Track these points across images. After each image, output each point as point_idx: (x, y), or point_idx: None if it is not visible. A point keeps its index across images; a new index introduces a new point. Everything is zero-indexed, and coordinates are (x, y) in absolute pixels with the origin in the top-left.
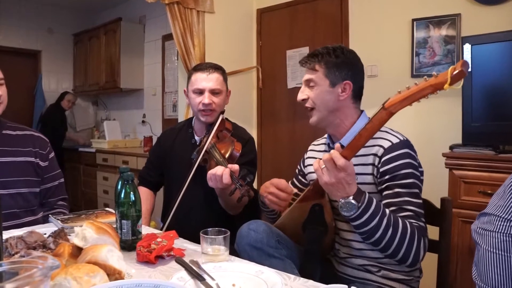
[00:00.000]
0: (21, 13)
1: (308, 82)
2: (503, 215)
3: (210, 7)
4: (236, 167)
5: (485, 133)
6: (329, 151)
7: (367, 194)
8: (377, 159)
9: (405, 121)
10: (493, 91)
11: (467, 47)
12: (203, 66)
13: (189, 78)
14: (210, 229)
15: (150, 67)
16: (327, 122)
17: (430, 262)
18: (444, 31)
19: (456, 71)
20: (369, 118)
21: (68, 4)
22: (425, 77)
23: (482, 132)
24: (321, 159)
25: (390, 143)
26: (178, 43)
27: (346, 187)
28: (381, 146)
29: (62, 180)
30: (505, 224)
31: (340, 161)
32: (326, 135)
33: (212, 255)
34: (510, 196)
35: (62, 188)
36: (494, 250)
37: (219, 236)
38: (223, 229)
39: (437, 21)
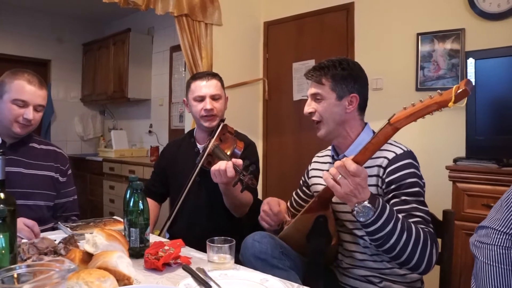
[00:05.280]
0: (32, 23)
1: (314, 96)
2: (500, 228)
3: (218, 19)
4: (239, 161)
5: (488, 146)
6: (333, 163)
7: (380, 198)
8: (381, 170)
9: (409, 134)
10: (497, 105)
11: (470, 62)
12: (201, 75)
13: (188, 87)
14: (217, 237)
15: (157, 78)
16: (335, 134)
17: (432, 274)
18: (448, 45)
19: (460, 90)
20: (372, 130)
21: (78, 15)
22: (430, 94)
23: (485, 145)
24: (327, 170)
25: (394, 154)
26: (186, 55)
27: (361, 191)
28: (385, 157)
29: (76, 197)
30: (501, 237)
31: (352, 166)
32: (330, 147)
33: (218, 263)
34: (506, 210)
35: (76, 205)
36: (491, 263)
37: (225, 245)
38: (229, 238)
39: (442, 36)
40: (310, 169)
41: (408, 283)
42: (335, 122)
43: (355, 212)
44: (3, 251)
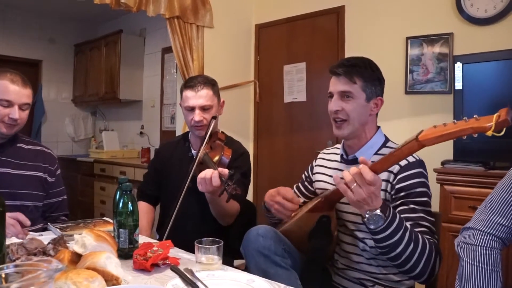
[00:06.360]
0: (23, 23)
1: (343, 93)
2: (484, 229)
3: (210, 22)
4: (225, 171)
5: (475, 149)
6: (341, 161)
7: (391, 207)
8: (392, 176)
9: (398, 136)
10: (484, 109)
11: (458, 66)
12: (193, 83)
13: (181, 93)
14: (205, 239)
15: (149, 79)
16: (355, 134)
17: None
18: (437, 49)
19: (501, 119)
20: (384, 135)
21: (70, 15)
22: (465, 118)
23: (473, 148)
24: (333, 168)
25: (406, 162)
26: (177, 57)
27: (374, 199)
28: (397, 163)
29: (65, 197)
30: (485, 237)
31: (369, 175)
32: (337, 145)
33: (206, 264)
34: (490, 211)
35: (65, 205)
36: (475, 263)
37: (213, 246)
38: (217, 239)
39: (431, 40)
40: (315, 165)
41: None
42: (360, 123)
43: (365, 219)
44: None
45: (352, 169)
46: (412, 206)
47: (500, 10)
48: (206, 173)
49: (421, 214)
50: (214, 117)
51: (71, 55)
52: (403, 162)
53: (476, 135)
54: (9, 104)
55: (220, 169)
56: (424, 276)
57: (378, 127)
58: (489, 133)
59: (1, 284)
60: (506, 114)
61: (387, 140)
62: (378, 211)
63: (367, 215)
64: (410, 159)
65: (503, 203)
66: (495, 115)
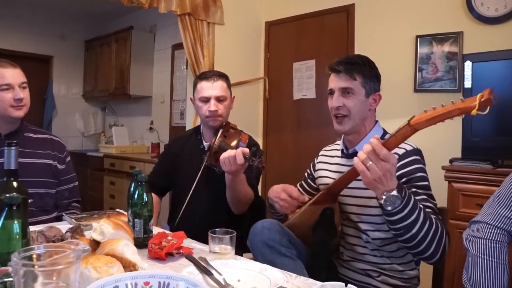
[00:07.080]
0: (34, 19)
1: (344, 90)
2: (492, 223)
3: (220, 19)
4: (246, 149)
5: (484, 147)
6: (342, 156)
7: (406, 188)
8: None
9: None
10: (493, 107)
11: (468, 64)
12: (208, 75)
13: (194, 86)
14: (218, 229)
15: (159, 75)
16: (356, 130)
17: (426, 271)
18: (446, 48)
19: (484, 98)
20: (383, 128)
21: (80, 12)
22: (452, 100)
23: (481, 146)
24: (335, 164)
25: (404, 150)
26: (188, 53)
27: (389, 179)
28: (396, 153)
29: (77, 183)
30: (493, 231)
31: (383, 151)
32: (338, 142)
33: (219, 253)
34: (498, 205)
35: (77, 191)
36: (483, 256)
37: (226, 236)
38: (229, 229)
39: (440, 38)
40: (317, 162)
41: (405, 279)
42: (360, 118)
43: (382, 200)
44: (17, 236)
45: (365, 147)
46: (414, 190)
47: (511, 9)
48: (230, 152)
49: (424, 196)
50: (222, 127)
51: (81, 51)
52: (400, 151)
53: (463, 116)
54: (9, 86)
55: (241, 148)
56: (437, 255)
57: (376, 121)
58: (474, 112)
59: (32, 262)
60: (489, 93)
61: (385, 132)
62: (395, 192)
63: (384, 197)
64: (408, 147)
65: (511, 197)
66: (478, 95)
